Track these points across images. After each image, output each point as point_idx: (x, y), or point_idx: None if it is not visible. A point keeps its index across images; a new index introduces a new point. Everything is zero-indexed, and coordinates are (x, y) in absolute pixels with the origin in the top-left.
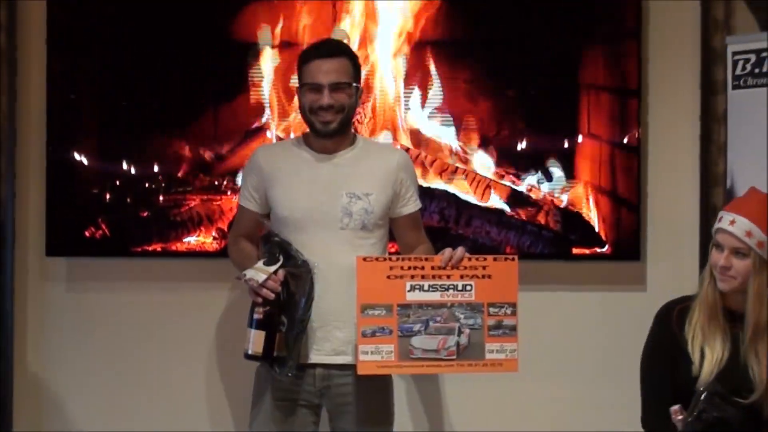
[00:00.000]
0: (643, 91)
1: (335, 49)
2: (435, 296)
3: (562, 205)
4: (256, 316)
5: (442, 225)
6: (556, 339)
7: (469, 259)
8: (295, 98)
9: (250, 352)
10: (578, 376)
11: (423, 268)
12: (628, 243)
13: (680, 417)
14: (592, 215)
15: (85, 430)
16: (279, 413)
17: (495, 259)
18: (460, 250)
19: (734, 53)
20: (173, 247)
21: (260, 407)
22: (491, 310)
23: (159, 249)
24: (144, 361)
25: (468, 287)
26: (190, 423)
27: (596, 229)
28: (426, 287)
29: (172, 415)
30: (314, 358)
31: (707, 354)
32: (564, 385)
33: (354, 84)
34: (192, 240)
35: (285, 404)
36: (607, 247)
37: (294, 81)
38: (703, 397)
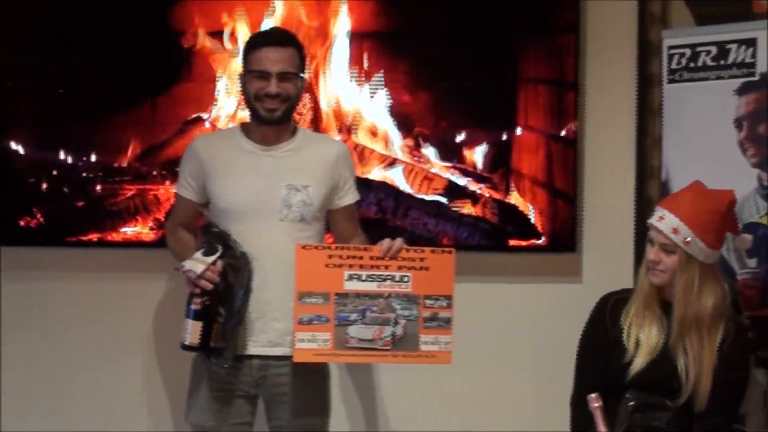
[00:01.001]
0: (581, 84)
1: (284, 38)
2: (372, 286)
3: (499, 198)
4: (193, 306)
5: (380, 216)
6: (492, 330)
7: (408, 250)
8: (235, 87)
9: (186, 342)
10: (513, 368)
11: (362, 257)
12: (563, 235)
13: (597, 405)
14: (528, 207)
15: (20, 421)
16: (215, 403)
17: (433, 252)
18: (398, 241)
19: (670, 47)
20: (109, 237)
21: (197, 397)
22: (427, 302)
23: (95, 239)
24: (80, 352)
25: (405, 278)
26: (128, 413)
27: (532, 221)
28: (364, 277)
29: (109, 405)
30: (251, 349)
31: (642, 342)
32: (498, 375)
33: (300, 74)
34: (129, 230)
35: (221, 395)
36: (543, 239)
37: (236, 67)
38: (630, 406)
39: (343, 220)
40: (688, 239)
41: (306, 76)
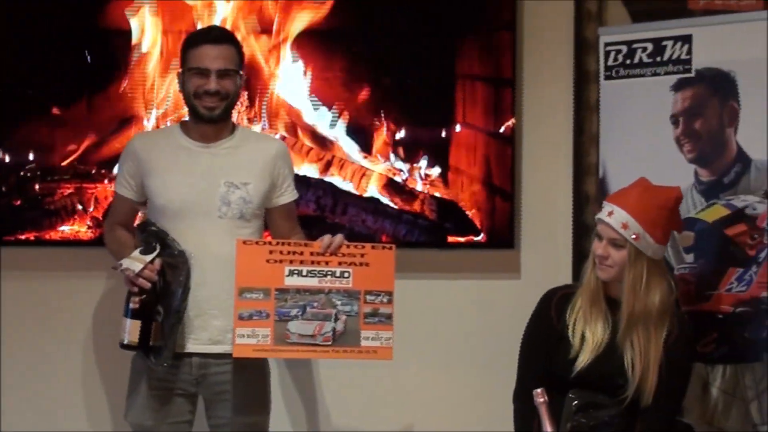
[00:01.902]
0: (518, 81)
1: (223, 35)
2: (313, 282)
3: (438, 194)
4: (131, 305)
5: (318, 214)
6: (432, 326)
7: (348, 246)
8: (173, 85)
9: (125, 341)
10: (453, 363)
11: (302, 253)
12: (502, 231)
13: (542, 400)
14: (466, 204)
15: None
16: (155, 402)
17: (373, 247)
18: (339, 237)
19: (606, 44)
20: (47, 236)
21: (136, 396)
22: (368, 297)
23: (32, 238)
24: (18, 351)
25: (346, 274)
26: (67, 412)
27: (470, 218)
28: (304, 272)
29: (48, 404)
30: (191, 347)
31: (588, 338)
32: (439, 371)
33: (239, 72)
34: (66, 229)
35: (161, 393)
36: (481, 235)
37: (174, 64)
38: (574, 406)
39: (282, 218)
40: (637, 234)
41: (244, 73)
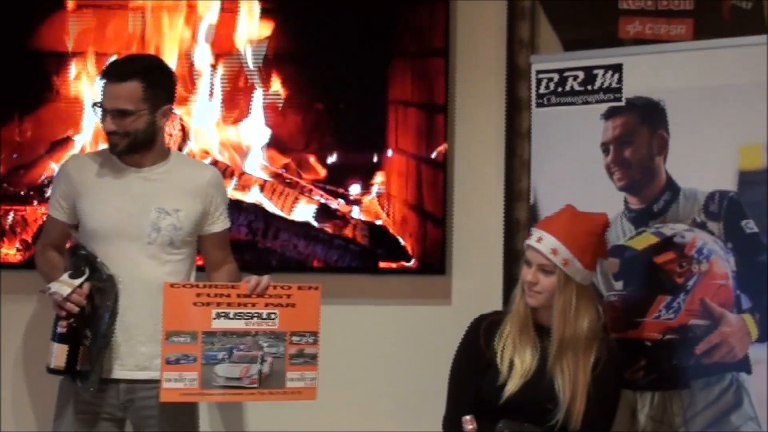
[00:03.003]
0: (450, 106)
1: (126, 72)
2: (240, 324)
3: (369, 220)
4: (59, 329)
5: (250, 238)
6: (363, 351)
7: (275, 287)
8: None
9: (52, 365)
10: (382, 389)
11: (229, 295)
12: (433, 257)
13: (470, 427)
14: (398, 229)
15: None
16: (81, 426)
17: (299, 288)
18: (265, 278)
19: (538, 72)
20: None
21: (62, 420)
22: (294, 338)
23: None
24: None
25: (272, 315)
26: None
27: (402, 243)
28: (231, 315)
29: None
30: (118, 373)
31: (516, 365)
32: (368, 397)
33: (141, 109)
34: None
35: (87, 417)
36: (413, 261)
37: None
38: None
39: (214, 246)
40: (566, 260)
41: (163, 106)
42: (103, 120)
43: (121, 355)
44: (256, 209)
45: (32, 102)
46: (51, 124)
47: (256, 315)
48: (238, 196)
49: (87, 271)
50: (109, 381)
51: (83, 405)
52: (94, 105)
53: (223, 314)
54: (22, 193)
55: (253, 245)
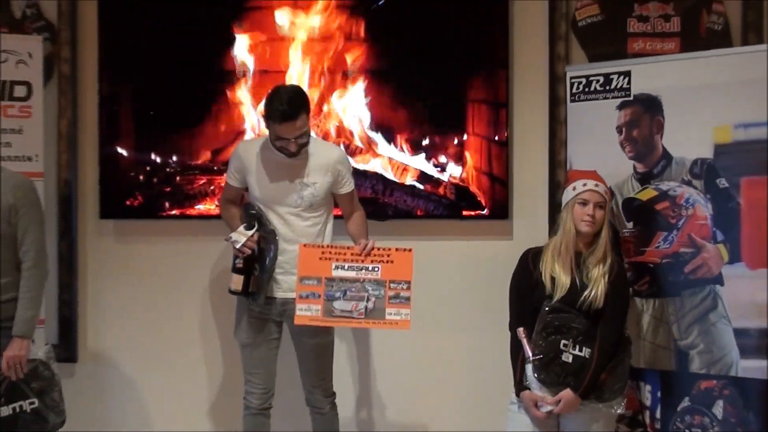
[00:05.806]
0: (510, 103)
1: (293, 113)
2: (352, 273)
3: (456, 182)
4: (237, 264)
5: (374, 196)
6: (452, 272)
7: (378, 249)
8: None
9: (232, 288)
10: (465, 300)
11: (345, 253)
12: (500, 207)
13: (523, 336)
14: (475, 189)
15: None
16: (253, 326)
17: (396, 250)
18: (371, 242)
19: (571, 77)
20: (188, 212)
21: (240, 324)
22: (392, 285)
23: (177, 213)
24: (164, 297)
25: (376, 269)
26: (199, 342)
27: (478, 198)
28: (346, 267)
29: (184, 336)
30: (276, 293)
31: (558, 280)
32: (455, 305)
33: (307, 126)
34: (201, 207)
35: (256, 321)
36: (486, 210)
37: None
38: (546, 310)
39: (344, 202)
40: (607, 194)
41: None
42: (280, 142)
43: (279, 282)
44: (377, 176)
45: (220, 107)
46: (233, 120)
47: (364, 268)
48: (365, 167)
49: (256, 225)
50: (270, 298)
51: (254, 314)
52: (275, 140)
53: (340, 266)
54: (215, 168)
55: (375, 201)
